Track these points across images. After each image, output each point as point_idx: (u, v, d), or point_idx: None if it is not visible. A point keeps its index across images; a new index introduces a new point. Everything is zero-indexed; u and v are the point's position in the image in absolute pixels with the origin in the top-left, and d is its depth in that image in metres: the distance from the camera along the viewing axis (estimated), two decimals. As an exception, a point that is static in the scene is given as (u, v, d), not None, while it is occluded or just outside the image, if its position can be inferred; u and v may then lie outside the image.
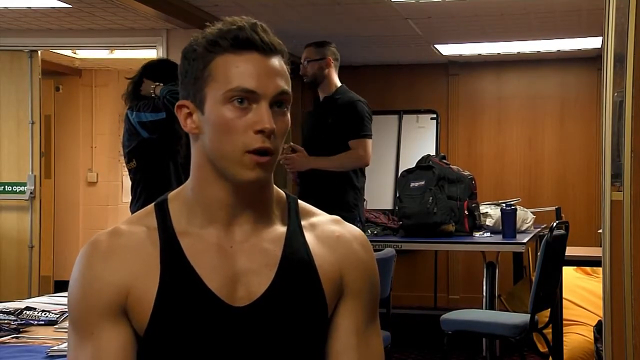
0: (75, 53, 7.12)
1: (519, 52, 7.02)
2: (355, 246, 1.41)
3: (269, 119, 1.29)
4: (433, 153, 6.57)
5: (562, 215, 6.27)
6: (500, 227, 5.20)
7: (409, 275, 7.20)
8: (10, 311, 2.58)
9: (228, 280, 1.31)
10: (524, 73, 7.46)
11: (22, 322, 2.50)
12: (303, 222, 1.40)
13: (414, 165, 5.68)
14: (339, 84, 4.38)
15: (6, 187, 6.17)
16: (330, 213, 1.46)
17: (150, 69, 4.08)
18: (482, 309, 5.00)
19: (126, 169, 4.25)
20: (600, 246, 3.10)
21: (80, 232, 7.97)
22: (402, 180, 5.63)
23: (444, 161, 5.67)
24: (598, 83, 6.79)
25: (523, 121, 7.43)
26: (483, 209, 5.62)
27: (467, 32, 6.15)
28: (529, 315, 4.09)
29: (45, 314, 2.57)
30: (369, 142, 4.25)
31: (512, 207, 5.18)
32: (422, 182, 5.42)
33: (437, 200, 5.28)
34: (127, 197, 4.48)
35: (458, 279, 7.50)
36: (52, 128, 7.61)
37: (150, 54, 5.97)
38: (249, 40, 1.30)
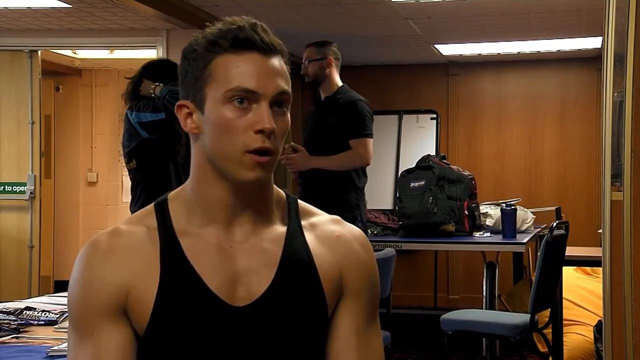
0: (75, 53, 7.12)
1: (519, 52, 7.02)
2: (355, 246, 1.41)
3: (269, 119, 1.29)
4: (433, 153, 6.57)
5: (562, 215, 6.27)
6: (500, 227, 5.20)
7: (409, 275, 7.20)
8: (10, 311, 2.58)
9: (228, 280, 1.31)
10: (524, 73, 7.46)
11: (22, 322, 2.50)
12: (303, 222, 1.40)
13: (414, 165, 5.68)
14: (340, 83, 4.37)
15: (6, 187, 6.17)
16: (331, 213, 1.46)
17: (150, 69, 4.08)
18: (482, 309, 5.00)
19: (126, 169, 4.25)
20: (600, 246, 3.10)
21: (80, 232, 7.97)
22: (402, 180, 5.63)
23: (444, 161, 5.67)
24: (598, 83, 6.79)
25: (523, 121, 7.43)
26: (483, 209, 5.63)
27: (467, 32, 6.15)
28: (529, 315, 4.09)
29: (45, 314, 2.57)
30: (370, 141, 4.25)
31: (512, 207, 5.18)
32: (422, 182, 5.42)
33: (437, 200, 5.28)
34: (127, 197, 4.48)
35: (458, 279, 7.50)
36: (52, 128, 7.61)
37: (150, 54, 5.97)
38: (249, 40, 1.30)
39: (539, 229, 5.80)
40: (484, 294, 5.03)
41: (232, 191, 1.33)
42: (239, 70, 1.29)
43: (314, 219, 1.42)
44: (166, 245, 1.33)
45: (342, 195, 4.22)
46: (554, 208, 6.50)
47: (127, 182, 4.37)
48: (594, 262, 4.70)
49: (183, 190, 1.39)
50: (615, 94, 2.69)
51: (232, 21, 1.32)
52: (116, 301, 1.29)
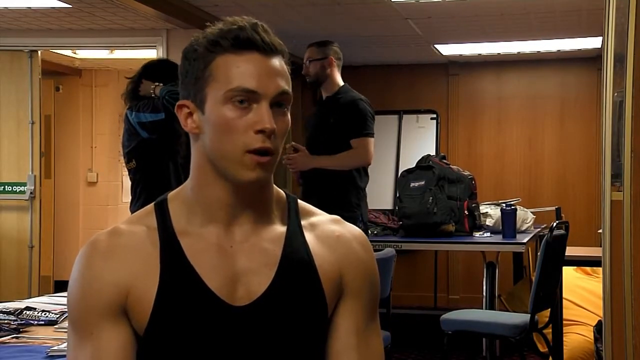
0: (75, 53, 7.12)
1: (519, 52, 7.02)
2: (355, 246, 1.41)
3: (269, 119, 1.29)
4: (433, 153, 6.58)
5: (562, 215, 6.27)
6: (500, 227, 5.20)
7: (409, 275, 7.20)
8: (10, 311, 2.58)
9: (228, 280, 1.31)
10: (524, 73, 7.46)
11: (22, 322, 2.50)
12: (303, 222, 1.40)
13: (414, 165, 5.68)
14: (341, 83, 4.37)
15: (6, 187, 6.17)
16: (332, 213, 1.46)
17: (150, 69, 4.08)
18: (482, 309, 5.00)
19: (126, 169, 4.25)
20: (600, 246, 3.10)
21: (80, 232, 7.97)
22: (402, 180, 5.63)
23: (444, 161, 5.67)
24: (598, 83, 6.79)
25: (523, 121, 7.44)
26: (483, 209, 5.63)
27: (467, 32, 6.15)
28: (529, 315, 4.09)
29: (45, 314, 2.57)
30: (371, 140, 4.24)
31: (512, 207, 5.18)
32: (422, 182, 5.42)
33: (437, 200, 5.28)
34: (127, 197, 4.48)
35: (458, 279, 7.50)
36: (52, 128, 7.62)
37: (150, 54, 5.97)
38: (250, 40, 1.30)
39: (539, 229, 5.80)
40: (484, 294, 5.03)
41: (232, 191, 1.33)
42: (240, 70, 1.29)
43: (313, 219, 1.42)
44: (166, 245, 1.33)
45: (343, 195, 4.21)
46: (554, 208, 6.50)
47: (127, 182, 4.37)
48: (594, 262, 4.70)
49: (183, 190, 1.39)
50: (615, 94, 2.69)
51: (232, 21, 1.32)
52: (116, 301, 1.29)
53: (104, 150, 8.04)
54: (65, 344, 2.07)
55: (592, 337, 4.73)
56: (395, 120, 7.51)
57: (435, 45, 6.71)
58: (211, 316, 1.29)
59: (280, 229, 1.38)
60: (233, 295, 1.31)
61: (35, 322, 2.52)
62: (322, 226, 1.41)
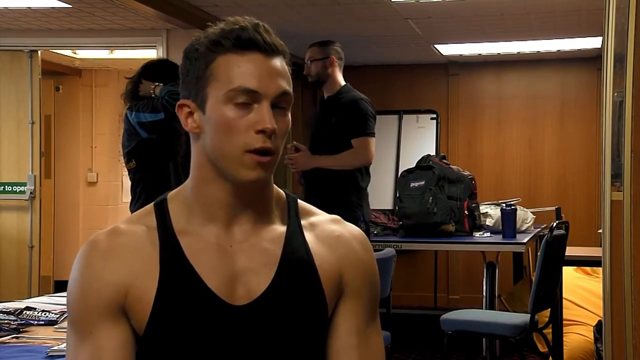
0: (75, 53, 7.12)
1: (519, 52, 7.02)
2: (355, 245, 1.41)
3: (270, 119, 1.29)
4: (433, 153, 6.58)
5: (562, 215, 6.27)
6: (500, 227, 5.20)
7: (409, 275, 7.20)
8: (10, 311, 2.58)
9: (227, 280, 1.31)
10: (524, 73, 7.46)
11: (22, 322, 2.50)
12: (303, 222, 1.40)
13: (414, 165, 5.68)
14: (343, 83, 4.37)
15: (6, 187, 6.17)
16: (333, 213, 1.46)
17: (150, 69, 4.08)
18: (482, 309, 5.00)
19: (126, 169, 4.25)
20: (600, 246, 3.10)
21: (80, 232, 7.97)
22: (402, 180, 5.63)
23: (444, 161, 5.68)
24: (598, 83, 6.79)
25: (523, 121, 7.44)
26: (483, 209, 5.63)
27: (467, 32, 6.15)
28: (529, 315, 4.09)
29: (45, 314, 2.57)
30: (372, 140, 4.24)
31: (512, 207, 5.18)
32: (422, 182, 5.42)
33: (437, 200, 5.28)
34: (127, 197, 4.48)
35: (458, 279, 7.50)
36: (52, 128, 7.61)
37: (150, 54, 5.97)
38: (252, 41, 1.30)
39: (539, 229, 5.80)
40: (484, 294, 5.03)
41: (232, 191, 1.33)
42: (241, 70, 1.29)
43: (313, 219, 1.42)
44: (166, 245, 1.33)
45: (344, 195, 4.21)
46: (554, 208, 6.50)
47: (127, 182, 4.37)
48: (594, 262, 4.70)
49: (183, 189, 1.39)
50: (615, 94, 2.69)
51: (234, 21, 1.32)
52: (115, 300, 1.29)
53: (104, 150, 8.04)
54: (65, 344, 2.07)
55: (592, 337, 4.73)
56: (395, 120, 7.51)
57: (435, 45, 6.71)
58: (211, 316, 1.29)
59: (280, 228, 1.38)
60: (233, 294, 1.31)
61: (35, 322, 2.52)
62: (322, 226, 1.41)
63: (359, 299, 1.39)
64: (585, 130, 7.23)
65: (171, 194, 1.39)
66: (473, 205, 5.44)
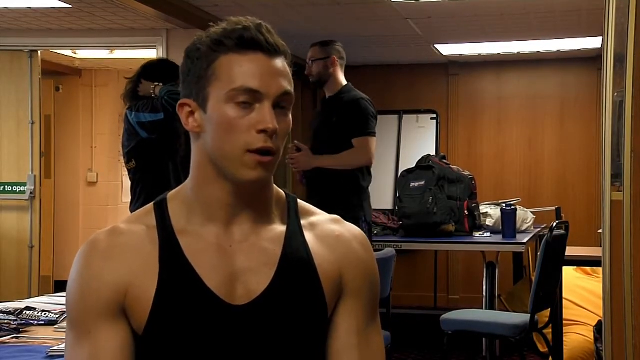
0: (75, 53, 7.12)
1: (519, 52, 7.02)
2: (354, 245, 1.41)
3: (272, 119, 1.29)
4: (433, 153, 6.58)
5: (562, 215, 6.27)
6: (500, 227, 5.20)
7: (409, 275, 7.20)
8: (10, 311, 2.58)
9: (227, 279, 1.31)
10: (524, 73, 7.46)
11: (22, 322, 2.50)
12: (303, 222, 1.40)
13: (414, 165, 5.68)
14: (344, 82, 4.36)
15: (6, 187, 6.17)
16: (334, 213, 1.46)
17: (149, 69, 4.09)
18: (482, 309, 5.00)
19: (126, 169, 4.25)
20: (600, 246, 3.10)
21: (80, 232, 7.97)
22: (402, 180, 5.64)
23: (444, 161, 5.68)
24: (598, 83, 6.79)
25: (523, 121, 7.44)
26: (483, 209, 5.63)
27: (467, 32, 6.15)
28: (529, 315, 4.09)
29: (45, 314, 2.57)
30: (373, 140, 4.23)
31: (512, 207, 5.18)
32: (422, 182, 5.42)
33: (437, 200, 5.28)
34: (127, 197, 4.48)
35: (458, 279, 7.50)
36: (52, 128, 7.61)
37: (150, 54, 5.97)
38: (254, 41, 1.30)
39: (539, 229, 5.80)
40: (484, 294, 5.03)
41: (233, 191, 1.33)
42: (243, 70, 1.29)
43: (313, 219, 1.42)
44: (165, 244, 1.33)
45: (345, 195, 4.20)
46: (554, 208, 6.50)
47: (127, 182, 4.37)
48: (594, 262, 4.70)
49: (183, 189, 1.39)
50: (615, 94, 2.69)
51: (237, 21, 1.32)
52: (115, 300, 1.29)
53: (104, 150, 8.04)
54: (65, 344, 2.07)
55: (592, 337, 4.73)
56: (395, 120, 7.51)
57: (435, 45, 6.71)
58: (210, 315, 1.29)
59: (280, 228, 1.38)
60: (232, 294, 1.31)
61: (35, 322, 2.52)
62: (322, 226, 1.41)
63: (359, 299, 1.39)
64: (585, 130, 7.23)
65: (171, 194, 1.39)
66: (473, 205, 5.44)
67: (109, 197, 8.08)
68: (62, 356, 2.06)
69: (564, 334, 4.89)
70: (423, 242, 5.40)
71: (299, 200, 1.44)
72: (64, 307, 2.64)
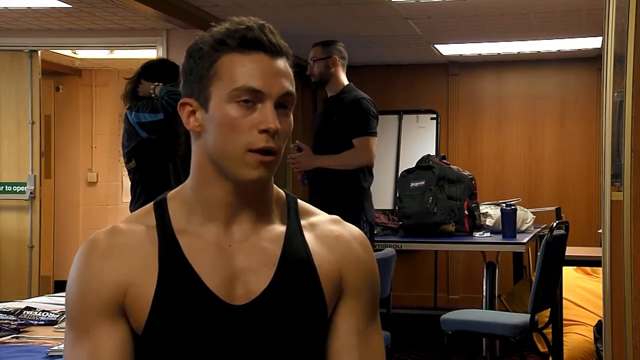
0: (75, 53, 7.12)
1: (519, 52, 7.02)
2: (354, 246, 1.41)
3: (273, 119, 1.29)
4: (433, 153, 6.58)
5: (562, 215, 6.27)
6: (500, 227, 5.20)
7: (409, 275, 7.20)
8: (10, 311, 2.58)
9: (226, 279, 1.31)
10: (524, 73, 7.46)
11: (22, 322, 2.50)
12: (302, 222, 1.40)
13: (414, 165, 5.68)
14: (346, 82, 4.36)
15: (6, 187, 6.17)
16: (335, 213, 1.46)
17: (149, 69, 4.09)
18: (482, 309, 5.00)
19: (126, 169, 4.25)
20: (600, 246, 3.10)
21: (80, 232, 7.97)
22: (402, 180, 5.64)
23: (444, 161, 5.68)
24: (598, 83, 6.79)
25: (523, 121, 7.44)
26: (483, 209, 5.63)
27: (467, 32, 6.16)
28: (529, 315, 4.09)
29: (45, 314, 2.57)
30: (373, 140, 4.22)
31: (512, 207, 5.18)
32: (422, 182, 5.42)
33: (437, 200, 5.28)
34: (127, 197, 4.48)
35: (458, 279, 7.50)
36: (52, 128, 7.62)
37: (150, 54, 5.97)
38: (257, 41, 1.30)
39: (539, 229, 5.80)
40: (484, 294, 5.03)
41: (233, 190, 1.33)
42: (246, 69, 1.29)
43: (313, 219, 1.42)
44: (165, 244, 1.32)
45: (346, 194, 4.20)
46: (554, 208, 6.50)
47: (127, 182, 4.37)
48: (594, 262, 4.70)
49: (182, 189, 1.39)
50: (615, 94, 2.69)
51: (239, 21, 1.32)
52: (114, 300, 1.29)
53: (104, 150, 8.04)
54: (65, 344, 2.07)
55: (592, 337, 4.73)
56: (395, 120, 7.51)
57: (435, 45, 6.71)
58: (209, 315, 1.29)
59: (279, 228, 1.38)
60: (232, 294, 1.31)
61: (35, 322, 2.52)
62: (322, 226, 1.41)
63: (358, 299, 1.39)
64: (585, 130, 7.23)
65: (171, 194, 1.39)
66: (473, 205, 5.44)
67: (109, 197, 8.09)
68: (62, 356, 2.06)
69: (564, 334, 4.89)
70: (423, 242, 5.40)
71: (299, 200, 1.44)
72: (64, 307, 2.65)
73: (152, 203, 1.39)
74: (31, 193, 6.13)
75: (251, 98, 1.29)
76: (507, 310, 5.55)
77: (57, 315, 2.56)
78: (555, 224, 4.24)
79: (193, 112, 1.34)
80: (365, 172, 4.28)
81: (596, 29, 5.38)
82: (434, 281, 7.29)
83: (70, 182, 8.02)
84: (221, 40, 1.31)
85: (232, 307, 1.30)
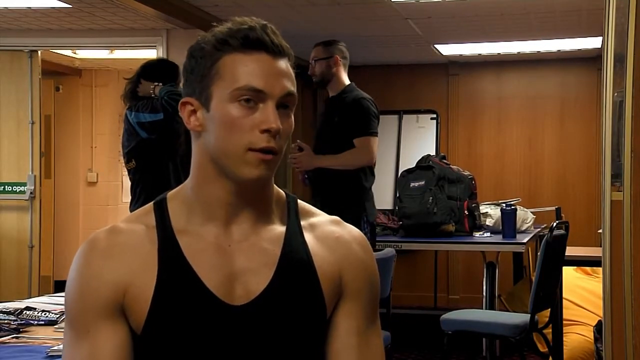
0: (75, 53, 7.12)
1: (519, 52, 7.02)
2: (354, 247, 1.41)
3: (275, 119, 1.29)
4: (433, 153, 6.58)
5: (562, 215, 6.27)
6: (500, 227, 5.20)
7: (409, 275, 7.20)
8: (10, 311, 2.58)
9: (226, 279, 1.31)
10: (524, 73, 7.46)
11: (22, 322, 2.50)
12: (303, 222, 1.40)
13: (414, 165, 5.68)
14: (347, 82, 4.35)
15: (6, 187, 6.18)
16: (336, 213, 1.46)
17: (148, 69, 4.09)
18: (482, 309, 5.00)
19: (126, 169, 4.25)
20: (600, 246, 3.10)
21: (80, 232, 7.97)
22: (402, 180, 5.64)
23: (444, 161, 5.68)
24: (598, 83, 6.79)
25: (523, 121, 7.44)
26: (483, 209, 5.63)
27: (467, 32, 6.16)
28: (529, 315, 4.09)
29: (45, 314, 2.57)
30: (374, 139, 4.22)
31: (512, 207, 5.18)
32: (422, 182, 5.42)
33: (437, 200, 5.28)
34: (127, 197, 4.48)
35: (458, 279, 7.50)
36: (52, 128, 7.62)
37: (150, 54, 5.97)
38: (260, 41, 1.30)
39: (539, 229, 5.80)
40: (484, 294, 5.03)
41: (233, 190, 1.33)
42: (248, 69, 1.29)
43: (313, 220, 1.42)
44: (164, 244, 1.32)
45: (347, 195, 4.19)
46: (554, 208, 6.50)
47: (127, 182, 4.37)
48: (594, 262, 4.70)
49: (183, 189, 1.39)
50: (615, 94, 2.69)
51: (242, 21, 1.32)
52: (114, 300, 1.29)
53: (104, 150, 8.05)
54: (65, 344, 2.07)
55: (592, 337, 4.73)
56: (395, 120, 7.51)
57: (435, 45, 6.71)
58: (209, 315, 1.29)
59: (279, 228, 1.37)
60: (231, 294, 1.31)
61: (35, 322, 2.52)
62: (322, 227, 1.41)
63: (358, 301, 1.38)
64: (585, 130, 7.23)
65: (171, 194, 1.39)
66: (473, 205, 5.44)
67: (109, 197, 8.09)
68: (61, 356, 2.06)
69: (564, 334, 4.89)
70: (423, 242, 5.40)
71: (299, 201, 1.44)
72: (64, 306, 2.65)
73: (152, 203, 1.38)
74: (31, 193, 6.13)
75: (253, 98, 1.29)
76: (507, 310, 5.55)
77: (57, 315, 2.56)
78: (555, 224, 4.24)
79: (194, 112, 1.34)
80: (367, 172, 4.28)
81: (596, 29, 5.38)
82: (434, 281, 7.29)
83: (70, 182, 8.02)
84: (223, 40, 1.31)
85: (231, 307, 1.30)
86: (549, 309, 4.38)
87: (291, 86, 1.32)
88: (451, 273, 7.51)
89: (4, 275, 6.14)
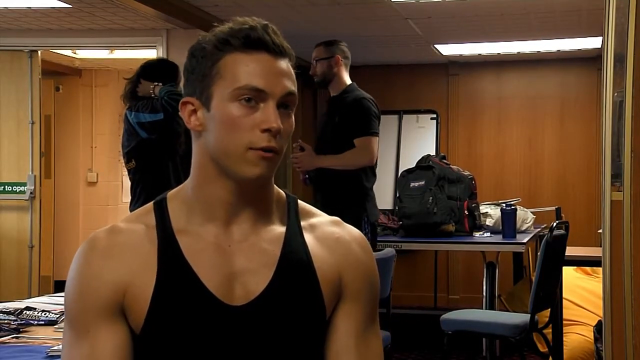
0: (75, 53, 7.12)
1: (519, 52, 7.02)
2: (354, 248, 1.41)
3: (276, 119, 1.29)
4: (433, 153, 6.58)
5: (562, 215, 6.27)
6: (500, 227, 5.20)
7: (409, 275, 7.20)
8: (10, 311, 2.58)
9: (225, 279, 1.31)
10: (524, 73, 7.46)
11: (22, 322, 2.50)
12: (303, 223, 1.40)
13: (414, 165, 5.68)
14: (348, 82, 4.35)
15: (6, 187, 6.18)
16: (336, 213, 1.46)
17: (148, 69, 4.09)
18: (482, 309, 5.00)
19: (126, 169, 4.25)
20: (600, 246, 3.10)
21: (80, 232, 7.97)
22: (402, 180, 5.64)
23: (444, 161, 5.68)
24: (598, 83, 6.79)
25: (523, 121, 7.44)
26: (483, 209, 5.63)
27: (467, 32, 6.16)
28: (529, 315, 4.09)
29: (45, 314, 2.57)
30: (374, 139, 4.22)
31: (512, 207, 5.18)
32: (422, 182, 5.42)
33: (437, 200, 5.28)
34: (127, 197, 4.48)
35: (458, 279, 7.50)
36: (52, 128, 7.62)
37: (150, 54, 5.97)
38: (261, 41, 1.30)
39: (539, 229, 5.80)
40: (484, 294, 5.03)
41: (233, 190, 1.33)
42: (249, 69, 1.29)
43: (313, 220, 1.42)
44: (164, 244, 1.32)
45: (348, 195, 4.19)
46: (554, 208, 6.50)
47: (127, 182, 4.37)
48: (594, 262, 4.70)
49: (183, 189, 1.39)
50: (615, 94, 2.69)
51: (243, 21, 1.32)
52: (113, 299, 1.29)
53: (104, 150, 8.05)
54: (65, 344, 2.07)
55: (592, 337, 4.73)
56: (395, 120, 7.51)
57: (435, 45, 6.71)
58: (208, 315, 1.29)
59: (279, 229, 1.37)
60: (230, 294, 1.30)
61: (35, 322, 2.52)
62: (322, 227, 1.41)
63: (358, 302, 1.38)
64: (585, 130, 7.23)
65: (171, 193, 1.39)
66: (473, 205, 5.44)
67: (109, 197, 8.09)
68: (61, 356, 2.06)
69: (564, 334, 4.89)
70: (423, 242, 5.40)
71: (299, 201, 1.44)
72: (64, 306, 2.65)
73: (152, 202, 1.38)
74: (31, 193, 6.13)
75: (254, 97, 1.29)
76: (507, 310, 5.55)
77: (57, 315, 2.56)
78: (555, 224, 4.24)
79: (194, 111, 1.34)
80: (368, 173, 4.28)
81: (596, 29, 5.38)
82: (434, 281, 7.29)
83: (70, 182, 8.02)
84: (224, 40, 1.31)
85: (230, 307, 1.30)
86: (549, 309, 4.38)
87: (292, 86, 1.32)
88: (451, 273, 7.51)
89: (4, 275, 6.14)
